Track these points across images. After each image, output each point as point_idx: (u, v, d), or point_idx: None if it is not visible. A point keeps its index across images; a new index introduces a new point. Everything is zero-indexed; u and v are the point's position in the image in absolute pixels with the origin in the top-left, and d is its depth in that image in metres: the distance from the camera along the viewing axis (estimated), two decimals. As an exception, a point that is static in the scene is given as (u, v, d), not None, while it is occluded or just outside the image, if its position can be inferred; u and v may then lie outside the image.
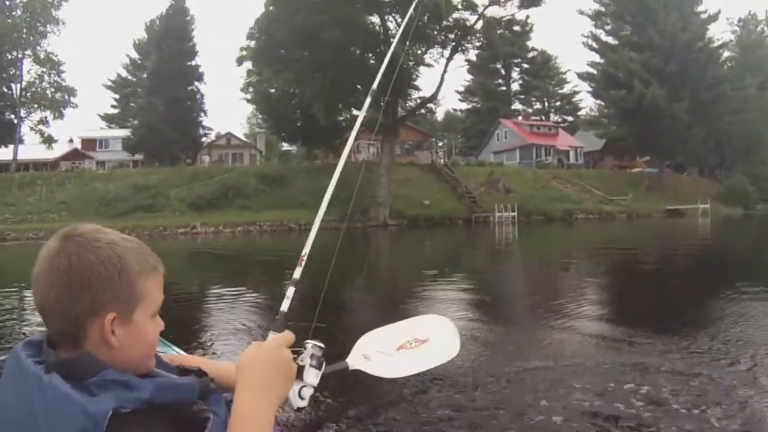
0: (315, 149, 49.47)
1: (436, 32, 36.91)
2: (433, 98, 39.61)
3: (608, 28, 52.09)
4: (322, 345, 1.26)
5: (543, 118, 62.75)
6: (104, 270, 1.02)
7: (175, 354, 1.68)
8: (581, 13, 52.58)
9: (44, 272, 1.01)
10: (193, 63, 52.12)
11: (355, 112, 40.06)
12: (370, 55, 36.62)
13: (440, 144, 63.77)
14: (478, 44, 41.08)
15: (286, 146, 55.38)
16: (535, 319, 5.96)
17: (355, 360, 2.05)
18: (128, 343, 1.02)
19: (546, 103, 67.00)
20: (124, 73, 64.58)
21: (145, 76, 54.88)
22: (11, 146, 47.72)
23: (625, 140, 51.06)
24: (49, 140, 49.88)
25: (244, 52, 41.79)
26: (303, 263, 1.38)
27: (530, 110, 64.69)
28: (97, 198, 37.50)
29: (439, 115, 71.01)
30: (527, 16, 42.06)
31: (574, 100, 66.83)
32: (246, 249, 23.47)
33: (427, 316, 2.36)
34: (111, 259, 1.03)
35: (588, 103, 70.41)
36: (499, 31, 41.26)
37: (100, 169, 49.77)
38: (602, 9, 51.58)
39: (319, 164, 43.75)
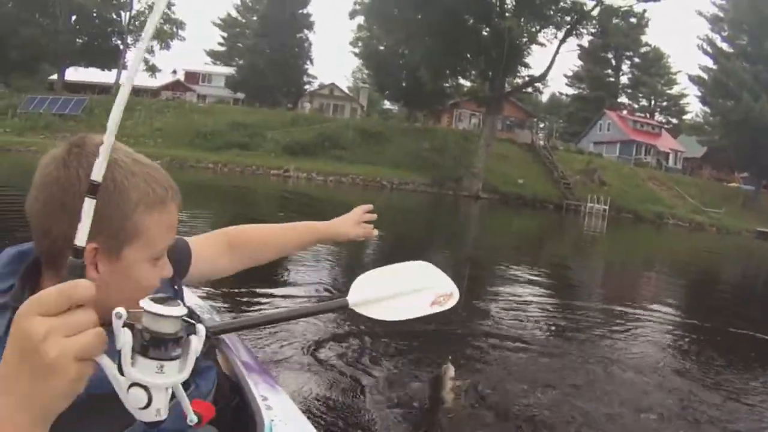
0: (416, 111, 49.32)
1: (552, 12, 36.01)
2: (542, 78, 38.88)
3: (725, 34, 49.50)
4: (175, 313, 0.67)
5: (647, 115, 60.79)
6: None
7: None
8: (700, 14, 50.21)
9: (35, 181, 0.89)
10: (305, 11, 52.34)
11: (462, 80, 39.85)
12: (483, 25, 36.11)
13: (541, 125, 62.82)
14: (592, 30, 40.07)
15: (387, 104, 55.58)
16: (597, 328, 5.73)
17: (354, 298, 1.99)
18: (113, 283, 0.87)
19: (653, 101, 64.83)
20: (234, 13, 65.41)
21: (255, 18, 55.68)
22: (115, 71, 49.03)
23: (726, 152, 48.88)
24: (153, 69, 51.35)
25: (358, 6, 41.80)
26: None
27: (636, 105, 62.59)
28: (194, 129, 38.08)
29: (544, 97, 69.70)
30: (644, 10, 40.36)
31: (681, 102, 64.46)
32: (336, 198, 23.53)
33: (417, 262, 2.26)
34: (103, 182, 0.81)
35: (694, 108, 67.90)
36: (615, 21, 40.10)
37: (201, 102, 51.01)
38: (720, 14, 49.05)
39: (418, 126, 43.91)
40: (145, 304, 0.67)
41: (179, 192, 0.99)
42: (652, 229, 31.87)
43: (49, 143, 0.92)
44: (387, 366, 3.70)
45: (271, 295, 5.22)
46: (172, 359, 0.68)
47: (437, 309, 2.19)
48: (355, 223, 1.83)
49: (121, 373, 0.66)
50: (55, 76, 48.43)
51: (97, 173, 0.67)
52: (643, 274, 12.56)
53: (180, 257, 1.34)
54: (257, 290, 5.22)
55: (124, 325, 0.66)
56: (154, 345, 0.66)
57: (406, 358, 3.88)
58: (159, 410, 0.67)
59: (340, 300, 1.98)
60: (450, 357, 2.78)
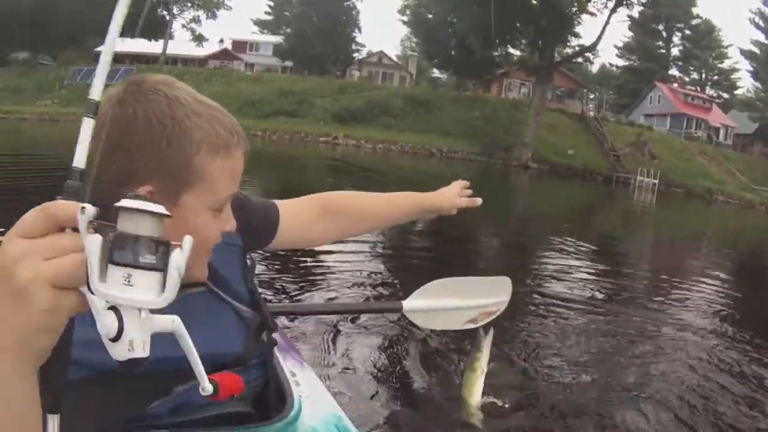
0: (465, 80, 48.99)
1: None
2: (592, 48, 38.19)
3: (777, 8, 48.17)
4: (153, 208, 0.53)
5: (698, 89, 59.43)
6: (150, 130, 0.81)
7: None
8: (751, -13, 49.04)
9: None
10: (352, -21, 52.04)
11: (511, 50, 39.43)
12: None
13: (591, 96, 61.73)
14: (643, 0, 39.15)
15: (436, 73, 55.35)
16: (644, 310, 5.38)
17: (411, 305, 1.97)
18: (168, 232, 0.65)
19: (704, 75, 63.20)
20: (280, -19, 65.39)
21: (302, -14, 55.56)
22: (161, 41, 49.18)
23: (778, 129, 47.95)
24: (199, 38, 51.71)
25: (405, -26, 41.57)
26: None
27: (686, 79, 61.13)
28: (243, 98, 37.98)
29: (594, 68, 68.13)
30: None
31: (732, 77, 62.73)
32: (386, 167, 23.22)
33: (497, 278, 2.21)
34: (163, 119, 0.82)
35: (746, 83, 66.24)
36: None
37: (249, 71, 51.25)
38: (773, -12, 47.62)
39: (468, 95, 43.77)
40: (121, 201, 0.52)
41: (246, 139, 0.93)
42: (702, 205, 31.38)
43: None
44: (418, 344, 3.48)
45: (315, 282, 4.82)
46: (142, 267, 0.51)
47: (470, 326, 2.21)
48: (457, 194, 1.71)
49: (91, 291, 0.51)
50: (101, 48, 48.79)
51: (96, 92, 0.61)
52: (697, 248, 12.35)
53: (266, 222, 1.29)
54: (306, 277, 4.88)
55: (96, 229, 0.51)
56: (119, 246, 0.50)
57: (439, 338, 3.57)
58: (132, 342, 0.51)
59: (396, 303, 2.03)
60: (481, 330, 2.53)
